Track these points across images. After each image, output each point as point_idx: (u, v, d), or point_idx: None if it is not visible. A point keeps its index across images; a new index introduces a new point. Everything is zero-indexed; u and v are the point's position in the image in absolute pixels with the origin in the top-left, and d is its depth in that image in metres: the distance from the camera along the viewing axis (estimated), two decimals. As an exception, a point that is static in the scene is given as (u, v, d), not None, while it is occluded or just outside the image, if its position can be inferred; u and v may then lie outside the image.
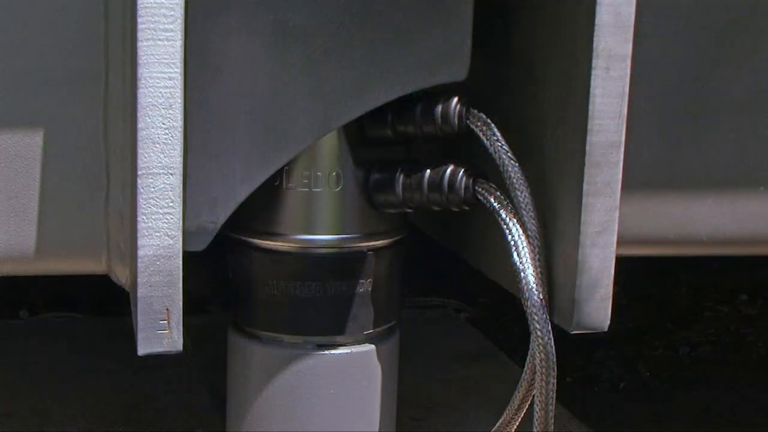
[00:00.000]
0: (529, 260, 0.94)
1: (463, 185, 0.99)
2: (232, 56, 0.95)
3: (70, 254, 0.98)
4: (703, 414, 1.98)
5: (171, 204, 0.88)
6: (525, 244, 0.94)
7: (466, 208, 1.00)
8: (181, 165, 0.88)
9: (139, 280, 0.88)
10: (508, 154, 0.96)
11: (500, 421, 1.01)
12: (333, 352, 1.05)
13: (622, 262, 0.98)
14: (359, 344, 1.07)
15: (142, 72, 0.85)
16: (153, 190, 0.87)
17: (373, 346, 1.07)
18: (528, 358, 0.96)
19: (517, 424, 1.01)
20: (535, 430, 0.96)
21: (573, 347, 2.15)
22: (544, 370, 0.93)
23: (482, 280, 1.15)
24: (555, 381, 0.94)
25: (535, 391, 0.95)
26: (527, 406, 0.99)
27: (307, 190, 1.02)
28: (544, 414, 0.95)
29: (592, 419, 1.90)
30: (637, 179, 1.05)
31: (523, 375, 0.97)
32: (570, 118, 0.93)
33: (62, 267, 0.99)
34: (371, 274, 1.05)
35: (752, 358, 2.27)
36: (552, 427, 0.94)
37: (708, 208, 1.10)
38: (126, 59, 0.93)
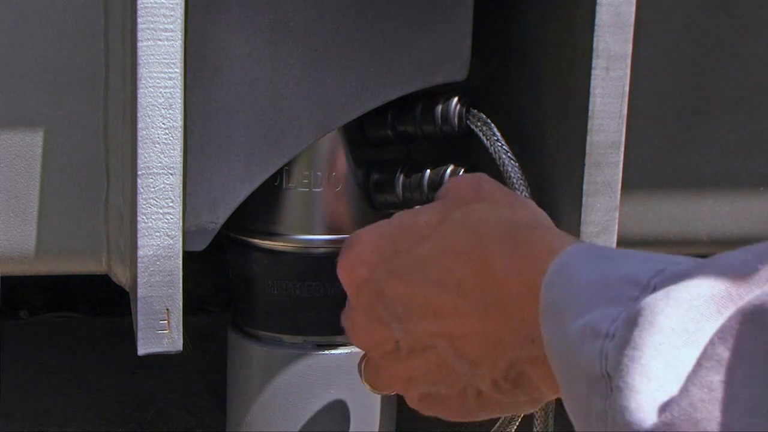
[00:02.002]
0: (529, 260, 0.94)
1: None
2: (232, 56, 0.95)
3: (70, 254, 0.98)
4: (703, 414, 1.97)
5: (171, 204, 0.88)
6: (525, 244, 0.94)
7: None
8: (181, 165, 0.88)
9: (139, 280, 0.88)
10: (508, 154, 0.96)
11: (500, 420, 1.01)
12: (333, 352, 1.05)
13: (622, 262, 0.97)
14: (359, 344, 1.07)
15: (142, 72, 0.85)
16: (153, 190, 0.87)
17: (373, 346, 1.07)
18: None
19: (518, 424, 1.01)
20: (535, 429, 0.96)
21: (573, 347, 2.15)
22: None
23: (482, 280, 1.14)
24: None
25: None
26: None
27: (307, 190, 1.02)
28: (544, 413, 0.95)
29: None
30: (637, 179, 1.05)
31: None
32: (570, 118, 0.93)
33: (62, 267, 0.99)
34: (371, 274, 1.05)
35: (752, 358, 2.26)
36: (552, 427, 0.94)
37: (708, 208, 1.10)
38: (126, 59, 0.93)
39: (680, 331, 0.51)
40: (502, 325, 0.70)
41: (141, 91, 0.85)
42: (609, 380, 0.54)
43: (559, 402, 0.93)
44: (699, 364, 0.49)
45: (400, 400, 1.13)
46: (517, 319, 0.68)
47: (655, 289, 0.55)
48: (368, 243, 0.80)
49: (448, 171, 1.00)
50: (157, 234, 0.88)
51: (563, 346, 0.60)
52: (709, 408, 0.47)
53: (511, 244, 0.70)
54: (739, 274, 0.52)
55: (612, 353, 0.54)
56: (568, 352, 0.59)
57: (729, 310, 0.49)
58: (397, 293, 0.76)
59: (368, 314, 0.78)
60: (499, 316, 0.70)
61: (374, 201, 1.04)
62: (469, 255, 0.72)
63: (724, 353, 0.48)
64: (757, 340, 0.47)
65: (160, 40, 0.85)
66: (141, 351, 0.90)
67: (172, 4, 0.84)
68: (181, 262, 0.89)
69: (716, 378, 0.48)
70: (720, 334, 0.49)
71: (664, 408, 0.49)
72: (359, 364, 0.84)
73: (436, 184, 1.00)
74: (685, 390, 0.49)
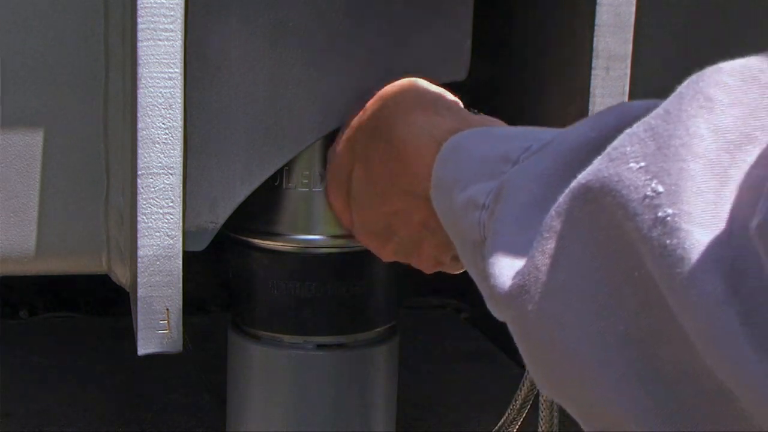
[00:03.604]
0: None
1: None
2: (232, 56, 0.95)
3: (70, 254, 0.98)
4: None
5: (171, 204, 0.88)
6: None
7: None
8: (181, 165, 0.88)
9: (139, 280, 0.88)
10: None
11: (502, 421, 1.01)
12: (333, 352, 1.05)
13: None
14: (359, 344, 1.07)
15: (142, 72, 0.85)
16: (153, 190, 0.87)
17: (373, 346, 1.07)
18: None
19: (519, 424, 1.01)
20: (540, 429, 0.95)
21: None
22: None
23: (482, 280, 1.14)
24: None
25: (540, 392, 0.95)
26: (529, 406, 0.99)
27: (307, 190, 1.02)
28: (548, 413, 0.94)
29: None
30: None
31: (525, 375, 0.97)
32: (570, 118, 0.93)
33: (62, 267, 0.99)
34: (371, 274, 1.05)
35: (752, 358, 2.26)
36: (557, 426, 0.94)
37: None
38: (126, 59, 0.93)
39: (532, 202, 0.60)
40: (426, 202, 0.81)
41: (141, 91, 0.85)
42: (486, 242, 0.65)
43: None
44: (540, 234, 0.57)
45: (400, 399, 1.13)
46: (425, 197, 0.80)
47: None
48: (334, 197, 0.97)
49: None
50: (157, 234, 0.88)
51: (452, 214, 0.71)
52: (548, 270, 0.56)
53: (387, 142, 0.87)
54: (578, 147, 0.60)
55: (487, 222, 0.65)
56: (456, 220, 0.70)
57: (570, 179, 0.56)
58: (371, 219, 0.93)
59: (374, 238, 0.95)
60: (417, 197, 0.84)
61: None
62: (373, 161, 0.89)
63: (557, 225, 0.56)
64: (582, 211, 0.54)
65: (160, 40, 0.85)
66: (141, 351, 0.90)
67: (172, 4, 0.84)
68: (181, 262, 0.89)
69: (551, 245, 0.56)
70: (556, 208, 0.56)
71: (517, 272, 0.58)
72: None
73: None
74: (531, 256, 0.57)
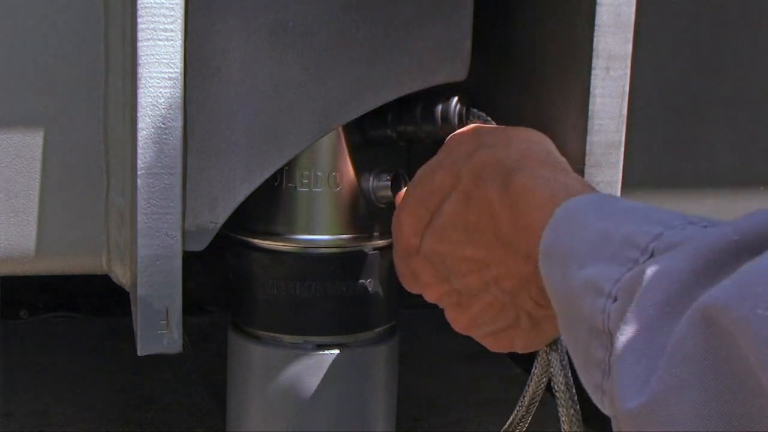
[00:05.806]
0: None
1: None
2: (232, 56, 0.95)
3: (70, 254, 0.98)
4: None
5: (171, 204, 0.88)
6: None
7: None
8: (181, 165, 0.88)
9: (139, 280, 0.88)
10: (508, 153, 0.95)
11: (510, 420, 1.01)
12: (333, 352, 1.05)
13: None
14: (359, 344, 1.07)
15: (142, 72, 0.85)
16: (153, 190, 0.87)
17: (373, 346, 1.07)
18: (537, 359, 0.95)
19: (527, 423, 1.01)
20: (563, 428, 0.95)
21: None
22: (563, 388, 0.93)
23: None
24: (578, 407, 0.93)
25: (559, 408, 0.94)
26: (537, 405, 0.99)
27: (307, 190, 1.02)
28: (567, 417, 0.94)
29: (593, 419, 1.90)
30: (637, 179, 1.05)
31: (532, 373, 0.96)
32: (570, 119, 0.93)
33: (62, 267, 0.99)
34: (371, 274, 1.05)
35: (752, 358, 2.26)
36: (581, 427, 0.94)
37: (708, 208, 1.10)
38: (126, 59, 0.93)
39: (663, 304, 0.57)
40: (520, 259, 0.78)
41: (141, 91, 0.85)
42: (611, 336, 0.61)
43: (582, 406, 0.92)
44: (671, 354, 0.55)
45: (400, 399, 1.14)
46: (523, 254, 0.77)
47: (652, 254, 0.61)
48: (407, 215, 0.90)
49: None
50: (157, 234, 0.88)
51: (565, 290, 0.67)
52: (675, 394, 0.54)
53: (503, 185, 0.80)
54: (719, 250, 0.57)
55: (614, 315, 0.61)
56: (570, 298, 0.66)
57: (704, 285, 0.55)
58: (441, 252, 0.86)
59: (432, 273, 0.88)
60: (513, 251, 0.79)
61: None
62: (476, 199, 0.82)
63: (687, 346, 0.54)
64: (713, 338, 0.53)
65: (160, 40, 0.85)
66: (141, 351, 0.90)
67: (172, 4, 0.84)
68: (181, 262, 0.89)
69: (680, 368, 0.54)
70: (688, 328, 0.54)
71: (643, 388, 0.56)
72: None
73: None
74: (659, 377, 0.55)
